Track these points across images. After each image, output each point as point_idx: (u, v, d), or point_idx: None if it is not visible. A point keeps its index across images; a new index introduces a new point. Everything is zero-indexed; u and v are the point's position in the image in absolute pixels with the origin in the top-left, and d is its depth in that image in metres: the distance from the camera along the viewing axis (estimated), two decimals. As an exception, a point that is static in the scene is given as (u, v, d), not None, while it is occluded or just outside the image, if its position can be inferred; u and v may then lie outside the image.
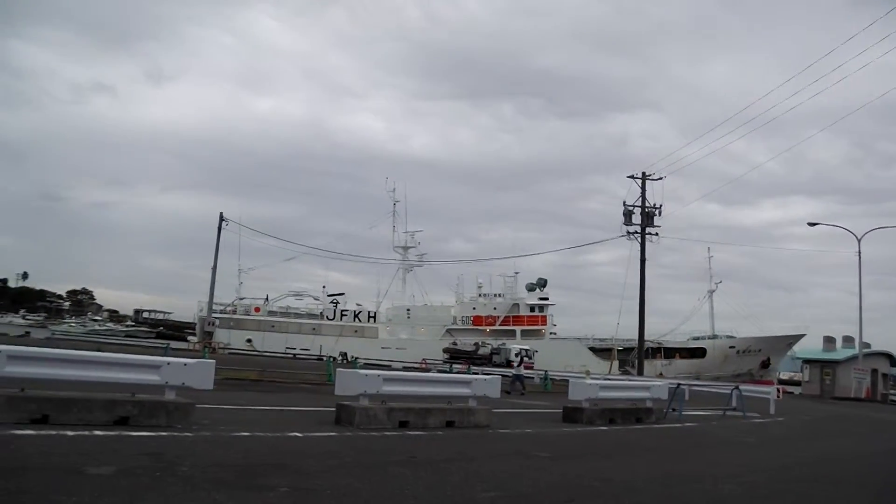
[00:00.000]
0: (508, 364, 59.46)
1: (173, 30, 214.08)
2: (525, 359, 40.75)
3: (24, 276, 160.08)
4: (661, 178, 54.68)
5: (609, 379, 37.29)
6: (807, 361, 59.30)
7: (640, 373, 54.40)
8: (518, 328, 77.97)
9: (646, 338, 58.14)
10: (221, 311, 79.08)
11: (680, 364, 70.75)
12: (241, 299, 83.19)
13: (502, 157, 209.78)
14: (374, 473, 9.41)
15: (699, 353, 73.63)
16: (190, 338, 79.15)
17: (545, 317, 79.51)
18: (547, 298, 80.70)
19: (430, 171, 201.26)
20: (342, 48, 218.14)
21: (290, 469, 9.15)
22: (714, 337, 76.22)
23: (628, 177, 55.22)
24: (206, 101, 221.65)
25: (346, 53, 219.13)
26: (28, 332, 57.77)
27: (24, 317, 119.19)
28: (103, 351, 17.97)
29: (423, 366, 52.28)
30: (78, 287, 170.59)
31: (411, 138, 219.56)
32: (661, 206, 54.45)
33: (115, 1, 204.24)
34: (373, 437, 12.87)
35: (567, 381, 24.88)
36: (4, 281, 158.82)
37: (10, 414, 10.41)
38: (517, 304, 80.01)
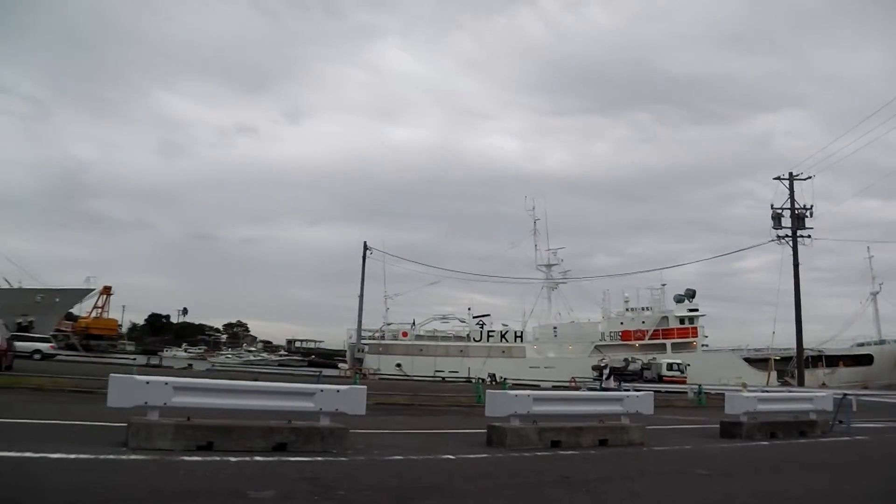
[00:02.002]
0: (647, 376, 57.78)
1: (307, 69, 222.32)
2: (642, 368, 38.08)
3: (185, 311, 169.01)
4: (810, 178, 52.42)
5: (767, 391, 35.68)
6: None
7: (801, 383, 51.97)
8: (668, 342, 75.90)
9: (805, 346, 55.49)
10: (370, 338, 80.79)
11: (844, 373, 66.87)
12: (389, 325, 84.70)
13: (640, 167, 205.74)
14: (527, 495, 9.31)
15: (865, 360, 69.36)
16: (341, 365, 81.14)
17: (696, 328, 77.00)
18: (697, 309, 78.21)
19: (567, 186, 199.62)
20: (470, 72, 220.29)
21: (443, 491, 9.18)
22: (881, 342, 71.62)
23: (774, 178, 53.25)
24: (343, 135, 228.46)
25: (474, 76, 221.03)
26: (191, 365, 60.74)
27: (185, 350, 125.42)
28: (259, 380, 18.66)
29: (573, 384, 51.58)
30: (233, 320, 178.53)
31: (546, 155, 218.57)
32: (812, 206, 52.15)
33: (251, 47, 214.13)
34: (525, 458, 12.75)
35: (722, 394, 23.96)
36: (167, 317, 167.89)
37: (178, 441, 10.96)
38: (666, 317, 77.96)
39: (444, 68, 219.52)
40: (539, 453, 13.39)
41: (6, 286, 66.50)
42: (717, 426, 19.00)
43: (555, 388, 43.08)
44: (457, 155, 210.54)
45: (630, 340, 77.96)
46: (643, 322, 79.05)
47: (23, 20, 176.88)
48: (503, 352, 79.11)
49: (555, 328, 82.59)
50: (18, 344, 38.11)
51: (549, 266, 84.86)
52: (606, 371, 34.58)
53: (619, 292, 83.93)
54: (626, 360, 68.82)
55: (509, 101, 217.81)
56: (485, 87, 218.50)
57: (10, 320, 42.50)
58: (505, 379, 49.19)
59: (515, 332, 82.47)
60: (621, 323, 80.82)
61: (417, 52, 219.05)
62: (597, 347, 78.19)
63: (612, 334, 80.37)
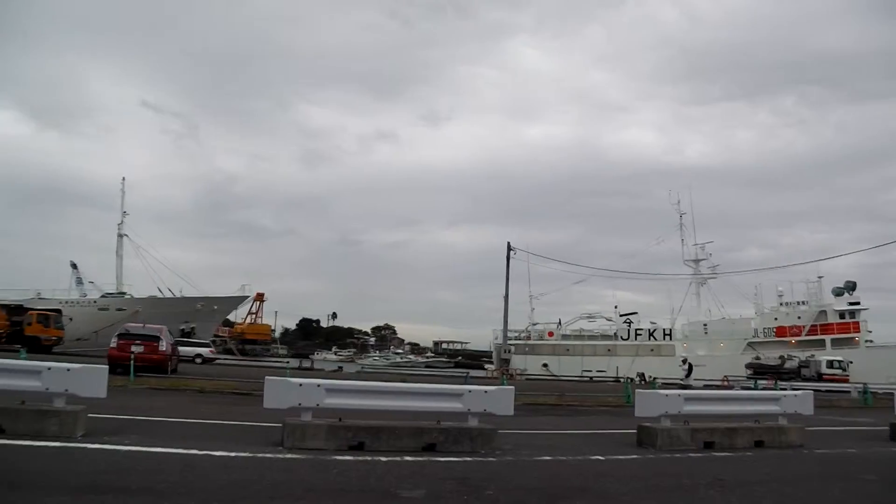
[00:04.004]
0: (805, 375, 55.00)
1: (442, 72, 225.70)
2: (799, 366, 34.45)
3: (334, 315, 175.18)
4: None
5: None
6: None
7: None
8: (827, 337, 72.01)
9: None
10: (516, 338, 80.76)
11: None
12: (534, 325, 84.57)
13: (787, 154, 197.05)
14: (680, 497, 9.07)
15: None
16: (487, 365, 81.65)
17: (858, 323, 72.56)
18: (858, 303, 73.70)
19: (711, 178, 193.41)
20: (604, 65, 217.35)
21: (593, 492, 9.06)
22: None
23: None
24: (480, 136, 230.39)
25: (608, 69, 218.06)
26: (341, 367, 62.55)
27: (335, 353, 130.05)
28: (408, 382, 18.96)
29: (725, 383, 49.91)
30: (381, 323, 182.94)
31: (686, 146, 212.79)
32: None
33: (387, 54, 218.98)
34: (676, 459, 12.43)
35: (891, 394, 22.58)
36: (317, 321, 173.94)
37: (330, 441, 11.28)
38: (824, 312, 73.97)
39: (577, 63, 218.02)
40: (691, 454, 13.03)
41: (170, 295, 70.55)
42: (887, 428, 17.90)
43: (706, 387, 41.84)
44: (595, 151, 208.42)
45: (785, 337, 74.53)
46: (799, 317, 75.37)
47: (169, 43, 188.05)
48: (651, 350, 77.41)
49: (705, 325, 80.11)
50: (182, 349, 40.21)
51: (696, 261, 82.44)
52: (686, 367, 32.40)
53: (772, 286, 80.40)
54: (781, 357, 66.01)
55: (646, 93, 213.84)
56: (620, 80, 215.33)
57: (174, 327, 44.93)
58: (654, 378, 48.19)
59: (664, 330, 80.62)
60: (775, 318, 77.35)
61: (550, 48, 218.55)
62: (750, 345, 75.28)
63: (765, 331, 77.10)
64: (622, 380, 47.96)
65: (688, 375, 32.01)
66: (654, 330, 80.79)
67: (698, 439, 13.88)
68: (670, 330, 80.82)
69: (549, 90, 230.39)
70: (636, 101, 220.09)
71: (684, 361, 32.04)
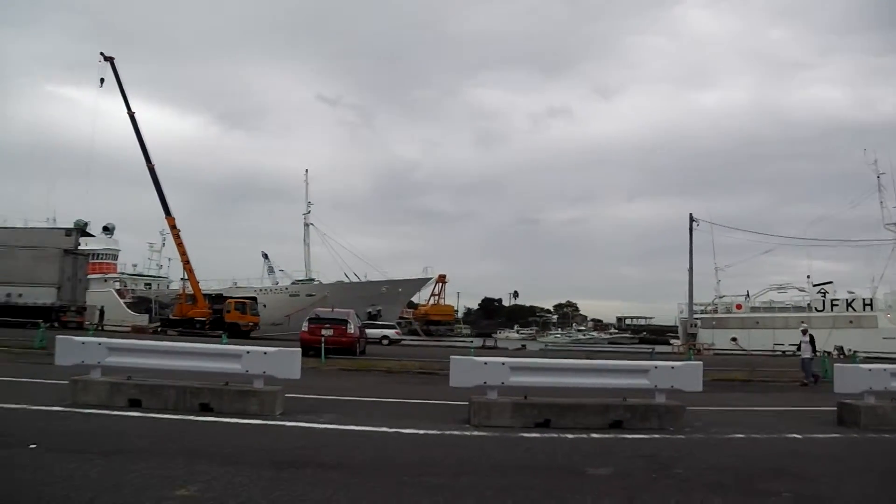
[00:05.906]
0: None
1: (610, 44, 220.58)
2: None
3: (515, 294, 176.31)
4: None
5: None
6: None
7: None
8: None
9: None
10: (702, 312, 78.29)
11: None
12: (721, 297, 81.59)
13: None
14: (893, 481, 8.51)
15: None
16: (673, 341, 79.60)
17: None
18: None
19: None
20: (781, 19, 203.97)
21: (790, 474, 8.63)
22: None
23: None
24: (654, 106, 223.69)
25: (787, 24, 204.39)
26: (524, 346, 62.93)
27: (518, 331, 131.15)
28: (592, 359, 18.79)
29: (938, 357, 46.31)
30: (563, 301, 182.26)
31: (880, 101, 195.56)
32: None
33: (552, 29, 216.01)
34: (885, 440, 11.64)
35: None
36: (499, 301, 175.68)
37: (516, 419, 11.39)
38: None
39: (751, 20, 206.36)
40: (901, 435, 12.16)
41: (356, 280, 73.23)
42: None
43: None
44: (776, 112, 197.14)
45: None
46: None
47: (337, 38, 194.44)
48: (850, 322, 72.69)
49: (911, 294, 74.52)
50: (369, 331, 41.65)
51: (898, 224, 76.68)
52: (806, 338, 28.67)
53: None
54: None
55: (830, 46, 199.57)
56: (800, 34, 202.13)
57: (360, 310, 46.53)
58: (854, 352, 45.47)
59: (863, 300, 75.59)
60: None
61: (721, 8, 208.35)
62: (966, 315, 69.37)
63: None
64: (818, 354, 45.48)
65: (813, 349, 29.14)
66: (853, 300, 75.85)
67: (910, 418, 12.94)
68: (871, 300, 75.66)
69: (722, 53, 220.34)
70: (819, 57, 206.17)
71: (805, 332, 29.24)
